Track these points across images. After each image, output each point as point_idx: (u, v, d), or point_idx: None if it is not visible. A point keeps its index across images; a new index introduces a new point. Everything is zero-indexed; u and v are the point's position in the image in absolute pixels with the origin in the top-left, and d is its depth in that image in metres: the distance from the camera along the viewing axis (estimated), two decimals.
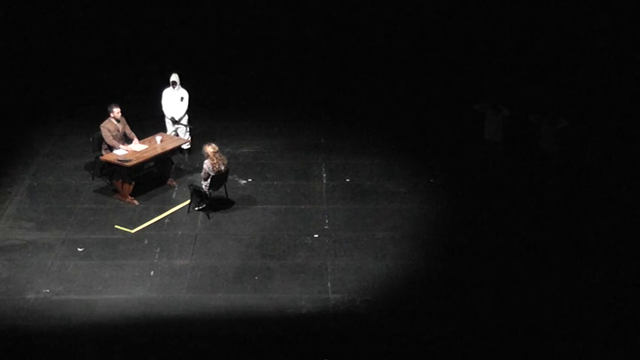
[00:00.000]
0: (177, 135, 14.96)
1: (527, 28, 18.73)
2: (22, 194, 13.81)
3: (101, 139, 13.84)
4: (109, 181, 14.06)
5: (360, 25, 19.62)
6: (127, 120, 14.00)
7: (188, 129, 15.10)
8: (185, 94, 14.94)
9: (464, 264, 12.01)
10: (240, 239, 12.61)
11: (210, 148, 12.93)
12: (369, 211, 13.48)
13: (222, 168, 13.05)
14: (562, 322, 10.72)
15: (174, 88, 14.88)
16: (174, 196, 13.91)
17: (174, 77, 14.87)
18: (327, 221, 13.18)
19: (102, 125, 13.73)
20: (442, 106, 17.66)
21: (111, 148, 13.71)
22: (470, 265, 11.97)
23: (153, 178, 14.20)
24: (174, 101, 14.89)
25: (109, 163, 13.72)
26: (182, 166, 14.89)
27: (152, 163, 14.17)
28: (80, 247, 12.27)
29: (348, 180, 14.58)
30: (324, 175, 14.80)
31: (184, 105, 14.92)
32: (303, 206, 13.65)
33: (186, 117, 15.05)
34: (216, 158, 12.94)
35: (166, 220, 13.12)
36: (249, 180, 14.53)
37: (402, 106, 17.81)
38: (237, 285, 11.47)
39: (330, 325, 10.65)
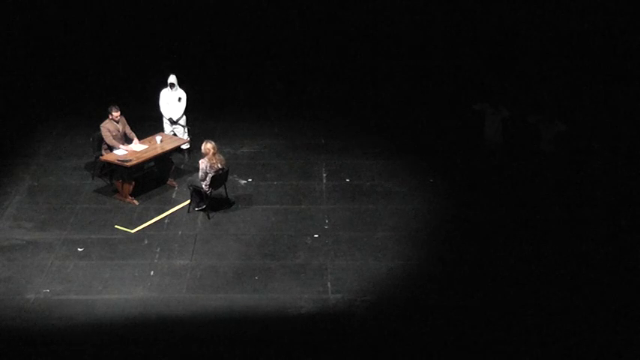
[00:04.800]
0: (175, 135, 14.97)
1: (528, 28, 18.74)
2: (22, 194, 13.81)
3: (101, 139, 13.85)
4: (109, 181, 14.07)
5: (360, 25, 19.61)
6: (127, 120, 14.02)
7: (187, 129, 15.11)
8: (183, 94, 14.94)
9: (464, 264, 12.01)
10: (240, 239, 12.61)
11: (209, 146, 12.90)
12: (369, 211, 13.48)
13: (220, 165, 13.03)
14: (562, 322, 10.72)
15: (171, 89, 14.89)
16: (174, 196, 13.91)
17: (172, 79, 14.87)
18: (327, 221, 13.18)
19: (102, 125, 13.74)
20: (442, 106, 17.65)
21: (111, 148, 13.72)
22: (470, 265, 11.97)
23: (153, 178, 14.20)
24: (172, 102, 14.90)
25: (109, 163, 13.72)
26: (182, 166, 14.90)
27: (152, 163, 14.17)
28: (80, 247, 12.27)
29: (348, 180, 14.59)
30: (324, 175, 14.80)
31: (182, 106, 14.93)
32: (303, 206, 13.66)
33: (185, 117, 15.06)
34: (215, 159, 12.94)
35: (166, 220, 13.12)
36: (249, 180, 14.53)
37: (402, 106, 17.81)
38: (237, 285, 11.47)
39: (330, 325, 10.65)
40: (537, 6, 18.67)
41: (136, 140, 13.99)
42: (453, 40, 19.29)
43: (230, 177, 13.85)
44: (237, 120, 17.10)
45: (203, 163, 12.92)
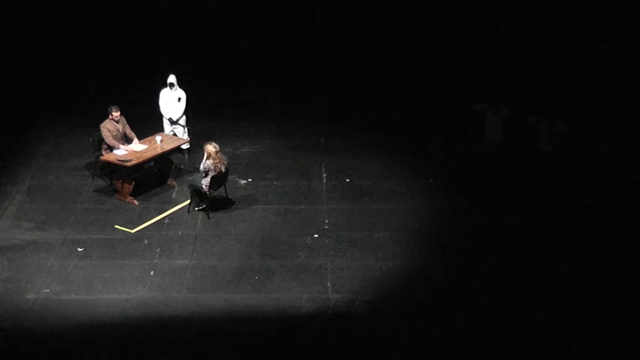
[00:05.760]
0: (175, 135, 14.97)
1: (528, 28, 18.73)
2: (22, 194, 13.81)
3: (101, 139, 13.85)
4: (109, 181, 14.07)
5: (360, 25, 19.61)
6: (126, 120, 14.02)
7: (187, 129, 15.11)
8: (182, 94, 14.94)
9: (464, 264, 12.01)
10: (240, 239, 12.61)
11: (211, 148, 12.92)
12: (369, 211, 13.48)
13: (223, 168, 13.06)
14: (561, 322, 10.72)
15: (171, 89, 14.89)
16: (174, 196, 13.91)
17: (172, 78, 14.87)
18: (327, 221, 13.18)
19: (102, 125, 13.74)
20: (442, 106, 17.65)
21: (111, 148, 13.72)
22: (470, 265, 11.97)
23: (153, 178, 14.20)
24: (172, 102, 14.89)
25: (109, 163, 13.72)
26: (182, 166, 14.90)
27: (152, 163, 14.17)
28: (80, 247, 12.27)
29: (348, 180, 14.59)
30: (324, 175, 14.80)
31: (182, 106, 14.92)
32: (303, 206, 13.66)
33: (184, 117, 15.06)
34: (218, 158, 12.95)
35: (166, 220, 13.12)
36: (249, 180, 14.53)
37: (402, 106, 17.81)
38: (237, 285, 11.47)
39: (330, 325, 10.66)
40: (537, 6, 18.66)
41: (135, 140, 13.99)
42: (453, 40, 19.28)
43: (230, 177, 13.84)
44: (237, 120, 17.10)
45: (207, 163, 12.92)
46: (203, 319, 10.74)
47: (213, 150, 12.91)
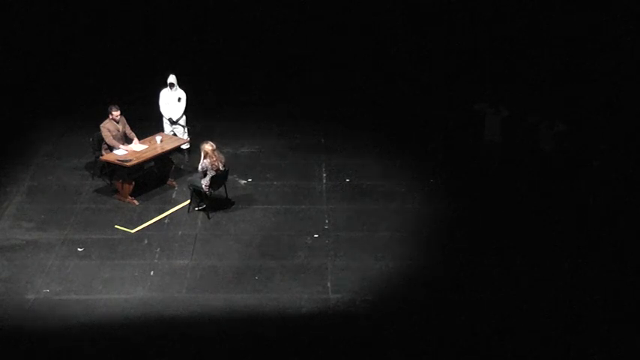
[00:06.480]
0: (175, 135, 14.97)
1: (528, 29, 18.72)
2: (22, 194, 13.81)
3: (101, 139, 13.85)
4: (109, 181, 14.07)
5: (360, 24, 19.61)
6: (126, 120, 14.02)
7: (187, 129, 15.10)
8: (182, 94, 14.93)
9: (464, 264, 12.01)
10: (240, 239, 12.61)
11: (208, 146, 12.92)
12: (369, 211, 13.48)
13: (221, 167, 13.06)
14: (561, 322, 10.72)
15: (171, 89, 14.89)
16: (174, 196, 13.91)
17: (172, 79, 14.86)
18: (327, 221, 13.18)
19: (102, 125, 13.74)
20: (442, 106, 17.65)
21: (111, 148, 13.72)
22: (470, 265, 11.97)
23: (153, 178, 14.20)
24: (172, 102, 14.89)
25: (109, 163, 13.73)
26: (182, 166, 14.90)
27: (152, 163, 14.17)
28: (80, 247, 12.27)
29: (348, 180, 14.59)
30: (324, 175, 14.80)
31: (182, 106, 14.92)
32: (303, 206, 13.66)
33: (184, 117, 15.05)
34: (215, 156, 12.95)
35: (166, 220, 13.12)
36: (249, 180, 14.53)
37: (402, 106, 17.81)
38: (237, 285, 11.47)
39: (330, 325, 10.65)
40: (537, 6, 18.65)
41: (136, 140, 13.99)
42: (453, 40, 19.27)
43: (230, 177, 13.85)
44: (237, 120, 17.10)
45: (205, 163, 12.92)
46: (203, 319, 10.74)
47: (210, 148, 12.91)
